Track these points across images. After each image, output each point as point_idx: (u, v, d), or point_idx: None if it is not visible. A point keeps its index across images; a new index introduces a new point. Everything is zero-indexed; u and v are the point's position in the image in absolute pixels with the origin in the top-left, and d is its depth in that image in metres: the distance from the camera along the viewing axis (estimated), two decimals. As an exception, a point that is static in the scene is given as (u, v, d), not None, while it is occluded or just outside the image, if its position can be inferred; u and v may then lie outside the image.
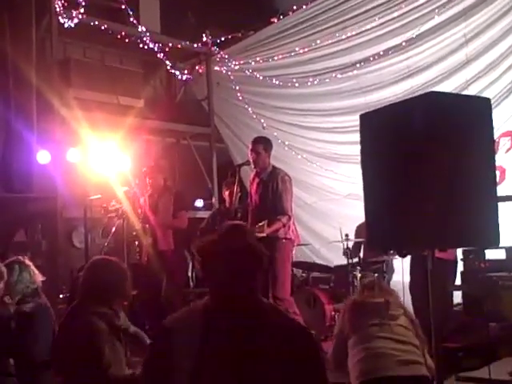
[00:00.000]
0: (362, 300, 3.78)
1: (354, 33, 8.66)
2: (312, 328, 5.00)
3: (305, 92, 9.41)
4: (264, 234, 5.71)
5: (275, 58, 9.44)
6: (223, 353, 2.14)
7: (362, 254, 7.33)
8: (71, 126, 7.71)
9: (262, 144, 6.12)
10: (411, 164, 2.72)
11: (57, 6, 8.05)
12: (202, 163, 10.08)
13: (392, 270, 7.45)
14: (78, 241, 8.32)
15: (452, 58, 8.06)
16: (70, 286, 7.51)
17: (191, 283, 8.49)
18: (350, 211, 7.69)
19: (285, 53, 9.33)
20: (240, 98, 9.83)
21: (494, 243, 2.82)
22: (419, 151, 2.68)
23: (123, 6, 8.70)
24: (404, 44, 8.30)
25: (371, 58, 8.68)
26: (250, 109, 9.74)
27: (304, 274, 7.82)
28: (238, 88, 9.85)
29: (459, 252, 5.84)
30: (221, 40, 10.02)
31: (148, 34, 9.06)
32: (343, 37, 8.77)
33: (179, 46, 9.60)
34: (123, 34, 8.90)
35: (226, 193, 7.34)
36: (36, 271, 4.42)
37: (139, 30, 8.94)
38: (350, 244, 7.24)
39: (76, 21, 8.17)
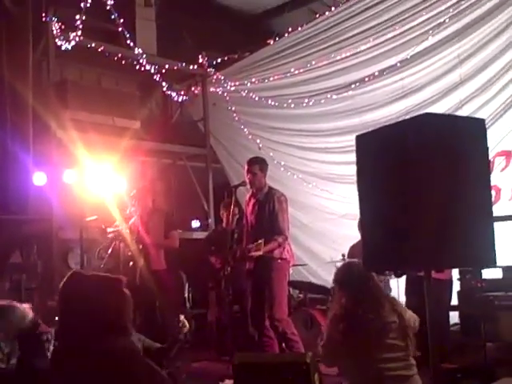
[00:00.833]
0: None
1: (348, 54, 8.74)
2: (309, 349, 4.98)
3: (300, 112, 9.46)
4: (260, 253, 5.72)
5: (271, 78, 9.51)
6: None
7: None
8: (67, 148, 7.72)
9: (258, 164, 6.14)
10: (407, 185, 2.74)
11: (54, 28, 8.10)
12: (198, 184, 10.09)
13: (389, 290, 7.43)
14: (73, 262, 8.28)
15: (446, 78, 8.13)
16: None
17: (188, 304, 8.46)
18: (346, 231, 7.69)
19: (280, 74, 9.40)
20: (236, 118, 9.87)
21: (491, 263, 2.82)
22: (415, 172, 2.69)
23: (120, 29, 8.75)
24: (399, 65, 8.38)
25: (366, 79, 8.75)
26: (245, 129, 9.78)
27: (301, 295, 7.79)
28: (233, 109, 9.89)
29: (456, 272, 5.84)
30: (217, 61, 10.09)
31: (144, 55, 9.11)
32: (338, 58, 8.84)
33: (175, 67, 9.65)
34: (120, 56, 8.94)
35: (224, 213, 7.35)
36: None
37: (136, 51, 9.00)
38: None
39: (73, 43, 8.21)
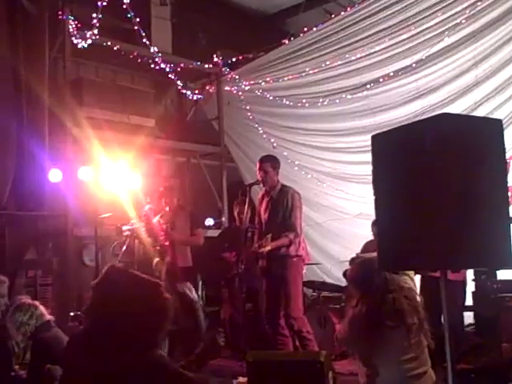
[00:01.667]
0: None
1: (363, 54, 8.73)
2: (323, 348, 4.99)
3: (315, 112, 9.46)
4: (268, 248, 5.75)
5: (285, 78, 9.51)
6: None
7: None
8: (83, 145, 7.78)
9: (270, 162, 6.15)
10: (423, 185, 2.74)
11: (70, 26, 8.15)
12: (212, 182, 10.11)
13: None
14: (88, 259, 8.33)
15: (461, 79, 8.11)
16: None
17: (201, 302, 8.48)
18: (360, 231, 7.68)
19: (295, 73, 9.40)
20: (250, 117, 9.89)
21: (507, 264, 2.82)
22: (431, 172, 2.70)
23: (135, 27, 8.79)
24: (414, 65, 8.36)
25: (381, 79, 8.74)
26: (260, 128, 9.79)
27: (315, 294, 7.80)
28: (248, 108, 9.91)
29: (470, 272, 5.83)
30: (231, 60, 10.11)
31: (159, 54, 9.15)
32: (353, 58, 8.83)
33: (190, 66, 9.68)
34: (135, 54, 8.99)
35: (238, 212, 7.37)
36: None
37: (151, 50, 9.03)
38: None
39: (89, 41, 8.26)
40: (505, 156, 3.01)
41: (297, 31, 9.47)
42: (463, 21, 7.86)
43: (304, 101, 9.46)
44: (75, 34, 8.21)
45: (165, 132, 9.60)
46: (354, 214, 8.93)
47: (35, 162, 7.73)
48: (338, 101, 9.20)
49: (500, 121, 3.02)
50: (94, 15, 8.27)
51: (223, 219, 9.74)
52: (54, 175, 7.41)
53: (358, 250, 7.27)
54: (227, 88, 10.09)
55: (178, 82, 9.73)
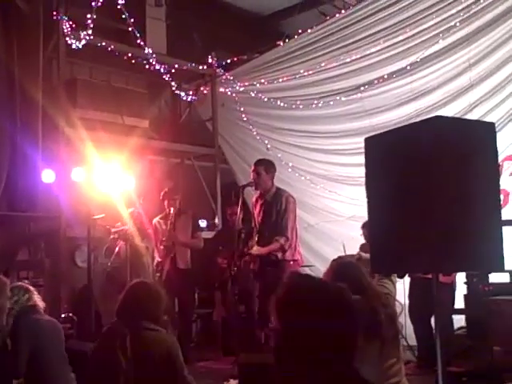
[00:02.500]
0: None
1: (358, 56, 8.73)
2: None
3: (309, 114, 9.46)
4: (255, 250, 5.77)
5: (280, 80, 9.51)
6: None
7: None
8: (76, 146, 7.75)
9: (264, 165, 6.18)
10: (416, 187, 2.74)
11: (65, 27, 8.13)
12: (206, 184, 10.10)
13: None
14: (80, 260, 8.30)
15: (456, 81, 8.11)
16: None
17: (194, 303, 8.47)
18: (353, 233, 7.68)
19: (290, 75, 9.39)
20: (244, 119, 9.88)
21: (499, 268, 2.82)
22: (424, 175, 2.69)
23: (130, 28, 8.77)
24: (408, 68, 8.36)
25: (376, 81, 8.73)
26: (254, 130, 9.78)
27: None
28: (242, 109, 9.90)
29: (462, 276, 5.83)
30: (226, 62, 10.10)
31: (154, 55, 9.13)
32: (348, 60, 8.83)
33: (185, 67, 9.67)
34: (129, 55, 8.96)
35: (230, 214, 7.37)
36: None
37: (145, 51, 9.01)
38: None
39: (83, 42, 8.23)
40: (497, 159, 3.01)
41: (292, 33, 9.47)
42: (458, 23, 7.87)
43: (298, 102, 9.45)
44: (69, 34, 8.18)
45: (159, 133, 9.57)
46: (346, 216, 8.92)
47: (28, 162, 7.70)
48: (332, 103, 9.19)
49: (493, 124, 3.03)
50: (89, 16, 8.25)
51: (216, 221, 9.72)
52: (47, 176, 7.38)
53: (351, 253, 7.28)
54: (222, 89, 10.08)
55: (173, 83, 9.71)
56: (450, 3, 7.86)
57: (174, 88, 9.86)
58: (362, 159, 3.15)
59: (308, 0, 10.26)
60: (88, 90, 8.61)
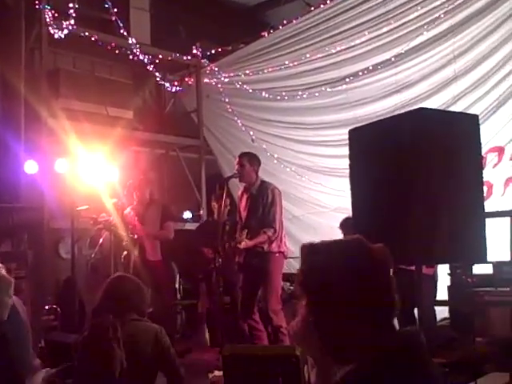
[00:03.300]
0: None
1: (343, 47, 8.71)
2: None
3: (294, 105, 9.44)
4: (244, 244, 5.77)
5: (265, 71, 9.48)
6: None
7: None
8: (59, 137, 7.68)
9: (247, 157, 6.17)
10: (399, 179, 2.74)
11: (47, 16, 8.03)
12: (191, 175, 10.07)
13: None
14: (64, 251, 8.26)
15: (440, 73, 8.12)
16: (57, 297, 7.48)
17: (178, 295, 8.45)
18: (337, 224, 7.70)
19: (274, 66, 9.37)
20: (229, 110, 9.85)
21: (482, 259, 2.84)
22: (407, 166, 2.70)
23: (114, 18, 8.70)
24: (393, 59, 8.35)
25: (360, 73, 8.72)
26: (239, 121, 9.75)
27: (292, 287, 7.80)
28: (227, 100, 9.87)
29: (445, 267, 5.86)
30: (211, 52, 10.05)
31: (138, 45, 9.07)
32: (333, 51, 8.81)
33: (169, 57, 9.61)
34: (113, 45, 8.89)
35: (215, 205, 7.34)
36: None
37: (129, 41, 8.95)
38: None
39: (66, 31, 8.15)
40: (481, 151, 3.02)
41: (277, 23, 9.43)
42: (442, 15, 7.86)
43: (283, 94, 9.44)
44: (52, 23, 8.09)
45: (143, 124, 9.53)
46: (331, 207, 8.93)
47: (11, 153, 7.63)
48: (317, 94, 9.18)
49: (476, 116, 3.03)
50: (71, 5, 8.16)
51: (201, 212, 9.70)
52: (30, 167, 7.33)
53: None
54: (206, 80, 10.04)
55: (157, 74, 9.66)
56: (434, -6, 7.87)
57: (158, 79, 9.81)
58: (346, 151, 3.15)
59: (293, -10, 10.25)
60: (71, 80, 8.55)
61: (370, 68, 8.61)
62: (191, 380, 4.89)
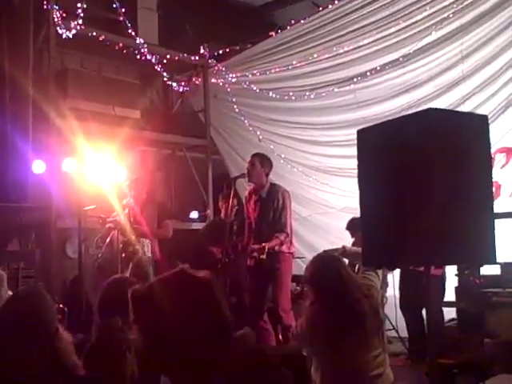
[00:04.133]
0: None
1: (351, 47, 8.71)
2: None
3: (301, 105, 9.44)
4: (264, 257, 5.79)
5: (272, 71, 9.47)
6: None
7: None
8: (67, 137, 7.69)
9: (259, 158, 6.18)
10: (408, 180, 2.72)
11: (55, 16, 8.04)
12: (198, 175, 10.06)
13: (386, 284, 7.43)
14: (71, 251, 8.28)
15: (448, 74, 8.11)
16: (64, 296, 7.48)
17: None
18: (345, 225, 7.68)
19: (282, 66, 9.36)
20: (237, 110, 9.84)
21: (491, 260, 2.82)
22: (416, 167, 2.68)
23: (121, 18, 8.71)
24: (401, 59, 8.35)
25: (368, 73, 8.72)
26: (246, 121, 9.75)
27: (298, 288, 7.79)
28: (234, 100, 9.86)
29: (453, 268, 5.84)
30: (218, 53, 10.04)
31: (146, 45, 9.07)
32: (340, 51, 8.81)
33: (177, 57, 9.61)
34: (121, 45, 8.89)
35: (223, 205, 7.34)
36: None
37: (137, 41, 8.95)
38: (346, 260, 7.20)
39: (74, 32, 8.16)
40: (490, 151, 3.00)
41: (284, 24, 9.42)
42: (451, 15, 7.85)
43: (291, 94, 9.43)
44: (60, 23, 8.10)
45: (150, 124, 9.53)
46: (338, 207, 8.92)
47: (18, 153, 7.64)
48: (324, 94, 9.18)
49: (485, 116, 3.01)
50: (79, 5, 8.17)
51: (208, 212, 9.69)
52: (38, 167, 7.35)
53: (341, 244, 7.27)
54: (214, 80, 10.03)
55: (164, 74, 9.66)
56: (443, -6, 7.85)
57: (165, 79, 9.81)
58: (354, 151, 3.14)
59: (301, -9, 10.23)
60: (79, 80, 8.56)
61: (378, 68, 8.60)
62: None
